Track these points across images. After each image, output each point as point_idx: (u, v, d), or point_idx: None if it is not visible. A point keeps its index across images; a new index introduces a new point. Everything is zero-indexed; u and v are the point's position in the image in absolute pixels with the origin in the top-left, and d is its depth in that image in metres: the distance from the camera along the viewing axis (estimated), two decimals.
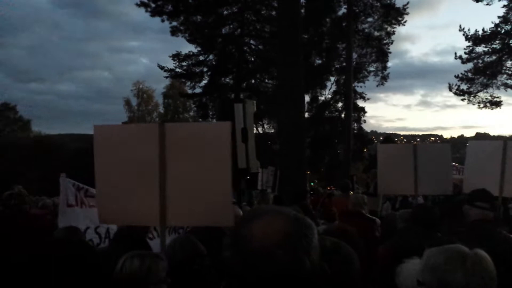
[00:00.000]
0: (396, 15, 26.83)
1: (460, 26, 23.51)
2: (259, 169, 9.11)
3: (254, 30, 27.87)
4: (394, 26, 27.64)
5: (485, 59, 23.77)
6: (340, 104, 30.36)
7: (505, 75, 23.96)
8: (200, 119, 29.59)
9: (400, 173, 5.28)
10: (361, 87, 30.19)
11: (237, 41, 27.17)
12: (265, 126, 31.32)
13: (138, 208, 3.18)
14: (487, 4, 22.45)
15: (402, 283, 1.88)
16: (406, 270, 1.87)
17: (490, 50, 23.51)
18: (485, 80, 24.22)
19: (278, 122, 19.27)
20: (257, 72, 28.58)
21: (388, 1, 26.55)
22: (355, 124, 29.68)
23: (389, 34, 28.21)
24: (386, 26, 27.84)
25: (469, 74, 24.35)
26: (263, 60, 27.17)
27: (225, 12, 26.77)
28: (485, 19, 25.57)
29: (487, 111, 29.60)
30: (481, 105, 24.84)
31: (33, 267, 2.25)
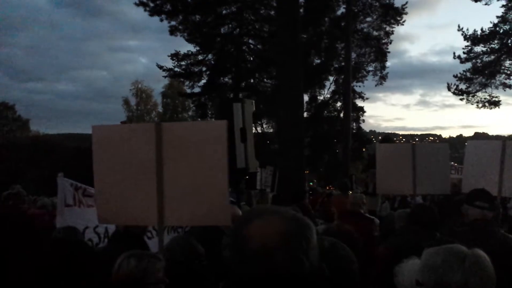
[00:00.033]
0: (395, 14, 26.86)
1: (458, 26, 23.56)
2: (258, 169, 9.11)
3: (253, 30, 27.85)
4: (393, 25, 27.69)
5: (484, 59, 23.80)
6: (339, 104, 30.40)
7: (503, 75, 24.00)
8: (199, 119, 29.57)
9: (398, 172, 5.29)
10: (360, 86, 30.28)
11: (236, 41, 27.16)
12: (264, 126, 31.33)
13: (136, 208, 3.18)
14: (485, 4, 22.47)
15: (401, 283, 1.88)
16: (405, 270, 1.87)
17: (488, 50, 23.53)
18: (483, 80, 24.24)
19: (277, 122, 19.28)
20: (256, 72, 28.56)
21: (387, 1, 26.58)
22: (354, 124, 29.71)
23: (388, 34, 28.27)
24: (385, 26, 27.90)
25: (468, 74, 24.38)
26: (262, 59, 27.16)
27: (224, 12, 26.74)
28: (484, 19, 25.63)
29: (485, 111, 29.64)
30: (480, 105, 24.88)
31: (33, 268, 2.24)
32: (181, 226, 4.62)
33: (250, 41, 28.47)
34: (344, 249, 1.45)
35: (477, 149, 5.24)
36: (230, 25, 27.36)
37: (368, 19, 27.89)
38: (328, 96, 30.76)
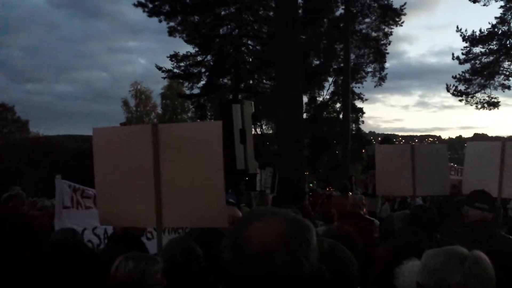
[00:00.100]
0: (394, 15, 26.90)
1: (457, 27, 23.61)
2: (258, 170, 9.10)
3: (252, 31, 27.87)
4: (392, 26, 27.73)
5: (483, 59, 23.83)
6: (338, 105, 30.43)
7: (502, 76, 24.03)
8: (198, 120, 29.57)
9: (398, 173, 5.29)
10: (359, 87, 30.31)
11: (235, 42, 27.17)
12: (263, 127, 31.36)
13: (136, 210, 3.19)
14: (484, 5, 22.51)
15: (401, 285, 1.88)
16: (405, 271, 1.87)
17: (487, 50, 23.56)
18: (482, 81, 24.27)
19: (276, 123, 19.28)
20: (255, 73, 28.57)
21: (386, 2, 26.62)
22: (353, 125, 29.71)
23: (387, 35, 28.29)
24: (383, 27, 27.93)
25: (467, 75, 24.40)
26: (261, 60, 27.17)
27: (223, 13, 26.75)
28: (482, 20, 25.68)
29: (484, 112, 29.69)
30: (479, 106, 24.90)
31: (32, 269, 2.24)
32: (180, 227, 4.62)
33: (249, 42, 28.49)
34: (344, 251, 1.45)
35: (477, 150, 5.25)
36: (229, 26, 27.38)
37: (367, 20, 27.95)
38: (327, 97, 30.81)
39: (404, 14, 26.84)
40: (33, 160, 27.08)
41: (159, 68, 27.35)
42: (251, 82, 29.16)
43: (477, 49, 23.73)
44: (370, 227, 5.02)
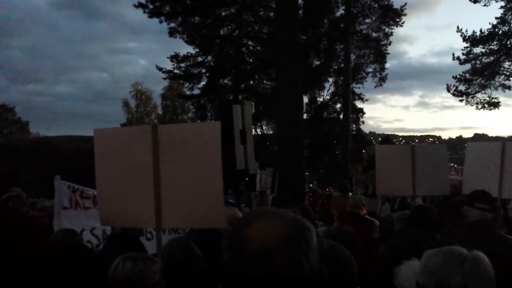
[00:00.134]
0: (394, 16, 26.90)
1: (457, 27, 23.59)
2: (258, 171, 9.11)
3: (252, 31, 27.87)
4: (392, 27, 27.74)
5: (483, 60, 23.82)
6: (338, 105, 30.44)
7: (503, 76, 24.02)
8: (199, 121, 29.58)
9: (398, 174, 5.29)
10: (359, 88, 30.32)
11: (235, 42, 27.18)
12: (264, 128, 31.37)
13: (136, 210, 3.19)
14: (484, 5, 22.51)
15: (401, 285, 1.88)
16: (404, 271, 1.87)
17: (487, 51, 23.55)
18: (483, 81, 24.26)
19: (276, 123, 19.28)
20: (255, 74, 28.57)
21: (386, 2, 26.62)
22: (354, 125, 29.72)
23: (387, 35, 28.31)
24: (384, 27, 27.93)
25: (467, 75, 24.39)
26: (261, 61, 27.18)
27: (223, 13, 26.76)
28: (483, 20, 25.65)
29: (485, 112, 29.70)
30: (479, 106, 24.88)
31: (32, 269, 2.24)
32: (180, 227, 4.62)
33: (250, 42, 28.50)
34: (343, 251, 1.45)
35: (477, 151, 5.25)
36: (230, 27, 27.38)
37: (367, 20, 27.95)
38: (328, 97, 30.83)
39: (405, 15, 26.87)
40: (33, 160, 27.08)
41: (160, 69, 27.38)
42: (251, 82, 29.16)
43: (478, 49, 23.74)
44: (370, 227, 5.02)
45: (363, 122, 31.70)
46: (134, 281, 2.36)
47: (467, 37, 23.42)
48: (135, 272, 2.37)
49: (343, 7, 26.12)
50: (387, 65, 29.76)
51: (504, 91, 24.34)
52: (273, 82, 26.11)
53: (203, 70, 27.87)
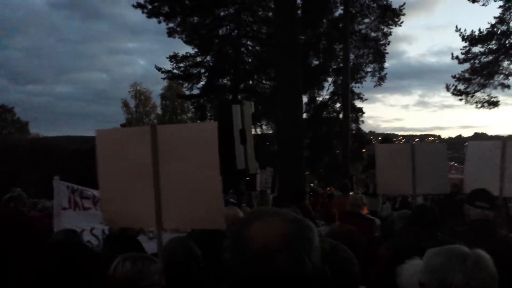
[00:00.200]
0: (393, 15, 26.90)
1: (456, 27, 23.59)
2: (258, 170, 9.10)
3: (251, 31, 27.87)
4: (391, 27, 27.72)
5: (482, 59, 23.82)
6: (338, 105, 30.40)
7: (502, 75, 24.02)
8: (198, 121, 29.57)
9: (398, 172, 5.29)
10: (358, 87, 30.27)
11: (234, 42, 27.17)
12: (263, 127, 31.33)
13: (137, 210, 3.20)
14: (483, 5, 22.50)
15: (403, 284, 1.88)
16: (406, 270, 1.87)
17: (486, 50, 23.57)
18: (482, 80, 24.26)
19: (276, 123, 19.28)
20: (254, 73, 28.57)
21: (385, 2, 26.63)
22: (353, 125, 29.71)
23: (386, 35, 28.28)
24: (382, 27, 27.93)
25: (466, 75, 24.41)
26: (260, 61, 27.18)
27: (222, 13, 26.76)
28: (481, 19, 25.66)
29: (484, 111, 29.73)
30: (479, 105, 24.90)
31: (32, 269, 2.24)
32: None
33: (249, 42, 28.49)
34: (345, 251, 1.45)
35: (477, 149, 5.25)
36: (228, 27, 27.37)
37: (366, 20, 27.94)
38: (327, 97, 30.77)
39: (403, 14, 26.87)
40: (33, 160, 27.07)
41: (159, 69, 27.38)
42: (250, 82, 29.15)
43: (477, 49, 23.73)
44: (371, 226, 5.02)
45: (362, 122, 31.72)
46: (133, 281, 2.36)
47: (466, 37, 23.43)
48: (134, 272, 2.38)
49: (342, 7, 26.11)
50: (386, 64, 29.78)
51: (503, 90, 24.37)
52: (273, 82, 26.12)
53: (202, 70, 27.86)
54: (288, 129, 11.56)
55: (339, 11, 27.03)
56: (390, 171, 5.32)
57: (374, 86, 29.72)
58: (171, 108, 44.54)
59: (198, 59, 27.63)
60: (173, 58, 27.23)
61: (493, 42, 23.22)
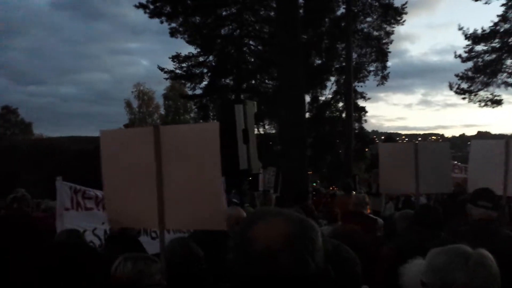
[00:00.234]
0: (395, 14, 26.82)
1: (459, 25, 23.54)
2: (261, 170, 9.11)
3: (253, 31, 27.86)
4: (393, 25, 27.66)
5: (485, 57, 23.75)
6: (340, 104, 30.35)
7: (505, 74, 23.94)
8: (201, 120, 29.60)
9: (401, 172, 5.27)
10: (361, 86, 30.20)
11: (236, 42, 27.18)
12: (266, 127, 31.32)
13: (140, 210, 3.21)
14: (486, 3, 22.44)
15: (406, 284, 1.88)
16: (409, 270, 1.87)
17: (489, 49, 23.49)
18: (485, 79, 24.19)
19: (279, 123, 19.27)
20: (257, 73, 28.56)
21: (387, 1, 26.56)
22: (356, 124, 29.67)
23: (388, 34, 28.23)
24: (385, 26, 27.86)
25: (469, 73, 24.34)
26: (262, 60, 27.17)
27: (224, 13, 26.76)
28: (484, 18, 25.60)
29: (488, 110, 29.67)
30: (482, 104, 24.83)
31: (33, 269, 2.25)
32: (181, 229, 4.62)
33: (251, 42, 28.49)
34: (348, 251, 1.45)
35: (481, 148, 5.23)
36: (231, 27, 27.38)
37: (368, 19, 27.88)
38: (330, 96, 30.73)
39: (405, 13, 26.80)
40: (36, 161, 27.18)
41: (161, 69, 27.40)
42: (253, 82, 29.15)
43: (479, 47, 23.69)
44: (374, 226, 5.01)
45: (365, 121, 31.66)
46: (134, 281, 2.37)
47: (468, 35, 23.37)
48: (135, 272, 2.39)
49: (344, 6, 26.09)
50: (389, 63, 29.72)
51: (506, 89, 24.31)
52: (275, 82, 26.08)
53: (205, 70, 27.90)
54: (291, 128, 11.56)
55: (341, 10, 27.04)
56: (393, 170, 5.31)
57: (377, 85, 29.68)
58: (174, 108, 44.59)
59: (201, 59, 27.65)
60: (176, 58, 27.27)
61: (496, 40, 23.16)
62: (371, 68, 29.46)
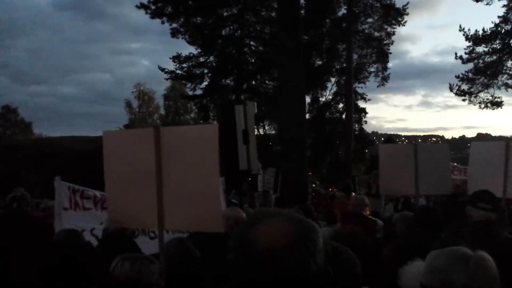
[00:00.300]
0: (396, 15, 26.86)
1: (460, 26, 23.53)
2: (261, 171, 9.11)
3: (254, 32, 27.87)
4: (394, 26, 27.70)
5: (486, 59, 23.76)
6: (341, 105, 30.38)
7: (505, 75, 23.95)
8: (201, 121, 29.61)
9: (401, 173, 5.28)
10: (361, 88, 30.26)
11: (237, 43, 27.19)
12: (266, 128, 31.35)
13: (140, 211, 3.21)
14: (487, 4, 22.45)
15: (405, 285, 1.88)
16: (408, 272, 1.87)
17: (490, 50, 23.49)
18: (485, 80, 24.19)
19: (279, 124, 19.28)
20: (257, 74, 28.58)
21: (388, 2, 26.58)
22: (356, 125, 29.68)
23: (389, 35, 28.27)
24: (386, 27, 27.89)
25: (470, 75, 24.33)
26: (263, 61, 27.18)
27: (225, 14, 26.78)
28: (485, 19, 25.58)
29: (488, 112, 29.63)
30: (482, 106, 24.82)
31: (32, 269, 2.25)
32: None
33: (252, 42, 28.50)
34: (347, 252, 1.45)
35: (481, 150, 5.23)
36: (232, 27, 27.40)
37: (369, 20, 27.93)
38: (330, 97, 30.77)
39: (407, 14, 26.83)
40: (36, 161, 27.17)
41: (162, 69, 27.40)
42: (253, 82, 29.16)
43: (480, 49, 23.69)
44: (373, 227, 5.00)
45: (365, 122, 31.66)
46: (132, 281, 2.37)
47: (469, 36, 23.36)
48: (134, 273, 2.39)
49: (345, 7, 26.12)
50: (390, 64, 29.79)
51: (507, 90, 24.32)
52: (276, 82, 26.10)
53: (205, 71, 27.90)
54: (291, 129, 11.57)
55: (342, 11, 27.07)
56: (392, 172, 5.31)
57: (377, 86, 29.73)
58: (174, 108, 44.60)
59: (201, 59, 27.66)
60: (176, 58, 27.27)
61: (497, 41, 23.16)
62: (372, 69, 29.54)
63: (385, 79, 29.25)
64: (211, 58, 27.79)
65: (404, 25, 27.44)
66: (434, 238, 3.04)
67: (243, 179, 5.49)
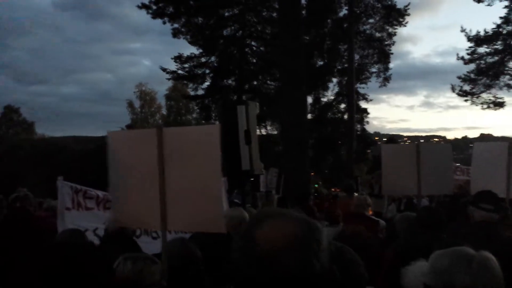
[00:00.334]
0: (397, 16, 26.83)
1: (461, 27, 23.51)
2: (263, 171, 9.11)
3: (256, 32, 27.87)
4: (396, 27, 27.66)
5: (487, 60, 23.72)
6: (342, 106, 30.38)
7: (507, 76, 23.89)
8: (203, 121, 29.61)
9: (403, 173, 5.27)
10: (363, 88, 30.25)
11: (239, 43, 27.19)
12: (268, 128, 31.33)
13: (143, 211, 3.22)
14: (488, 5, 22.41)
15: (408, 285, 1.88)
16: (411, 272, 1.87)
17: (492, 51, 23.45)
18: (487, 81, 24.14)
19: (281, 124, 19.28)
20: (259, 74, 28.56)
21: (389, 2, 26.56)
22: (358, 126, 29.66)
23: (391, 35, 28.23)
24: (387, 27, 27.85)
25: (472, 75, 24.29)
26: (265, 61, 27.17)
27: (226, 14, 26.79)
28: (487, 20, 25.52)
29: (490, 112, 29.59)
30: (484, 106, 24.78)
31: (33, 269, 2.26)
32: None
33: (253, 43, 28.50)
34: (350, 252, 1.45)
35: (484, 151, 5.22)
36: (233, 27, 27.39)
37: (371, 20, 27.90)
38: (332, 97, 30.76)
39: (408, 15, 26.78)
40: (38, 161, 27.22)
41: (164, 70, 27.40)
42: (255, 83, 29.15)
43: (482, 49, 23.64)
44: (376, 228, 5.00)
45: (367, 122, 31.69)
46: (134, 281, 2.37)
47: (471, 37, 23.33)
48: (135, 272, 2.40)
49: (346, 7, 26.09)
50: (391, 65, 29.75)
51: (509, 91, 24.22)
52: (277, 83, 26.09)
53: (207, 71, 27.89)
54: (293, 129, 11.56)
55: (344, 11, 27.04)
56: (395, 172, 5.30)
57: (379, 87, 29.72)
58: (176, 108, 44.60)
59: (203, 59, 27.66)
60: (178, 58, 27.27)
61: (499, 42, 23.12)
62: (373, 70, 29.51)
63: (386, 79, 29.23)
64: (213, 58, 27.79)
65: (406, 26, 27.42)
66: (437, 238, 3.04)
67: (245, 179, 5.50)
